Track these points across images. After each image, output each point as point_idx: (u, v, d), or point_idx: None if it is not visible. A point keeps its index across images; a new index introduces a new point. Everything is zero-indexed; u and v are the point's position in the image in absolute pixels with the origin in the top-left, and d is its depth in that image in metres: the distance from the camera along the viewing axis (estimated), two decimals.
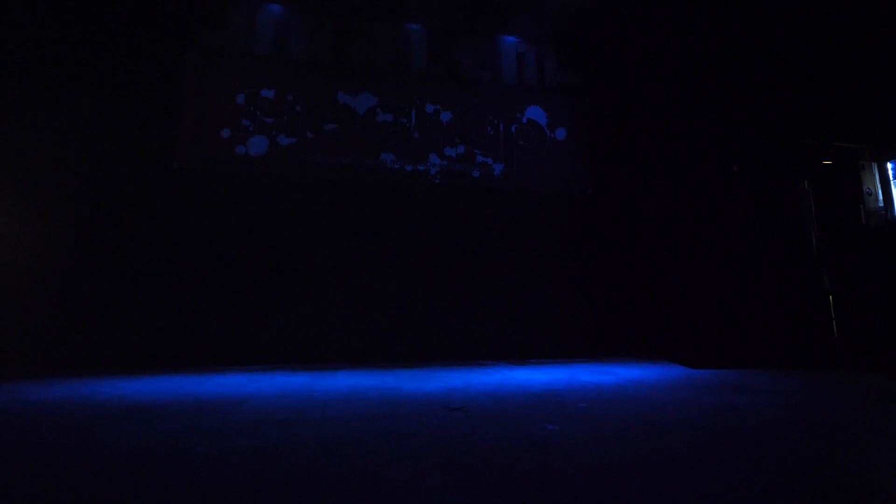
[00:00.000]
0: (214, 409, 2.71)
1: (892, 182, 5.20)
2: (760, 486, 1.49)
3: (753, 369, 4.46)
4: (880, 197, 5.18)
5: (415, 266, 5.30)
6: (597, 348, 5.55)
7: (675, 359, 4.98)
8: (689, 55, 5.31)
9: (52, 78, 4.75)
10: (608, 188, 6.03)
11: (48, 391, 3.26)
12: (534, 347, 5.38)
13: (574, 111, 6.16)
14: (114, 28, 4.96)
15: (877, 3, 5.11)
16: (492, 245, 5.55)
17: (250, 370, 4.35)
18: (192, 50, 5.13)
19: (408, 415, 2.52)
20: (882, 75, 5.24)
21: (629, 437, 2.08)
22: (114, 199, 4.72)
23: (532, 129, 5.97)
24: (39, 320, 4.37)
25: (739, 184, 5.07)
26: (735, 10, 5.31)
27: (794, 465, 1.68)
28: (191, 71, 5.10)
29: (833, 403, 2.88)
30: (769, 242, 4.97)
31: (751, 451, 1.87)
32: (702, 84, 5.27)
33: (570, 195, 5.93)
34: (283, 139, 5.21)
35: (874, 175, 5.23)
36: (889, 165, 5.23)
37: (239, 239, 4.92)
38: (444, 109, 5.73)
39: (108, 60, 4.90)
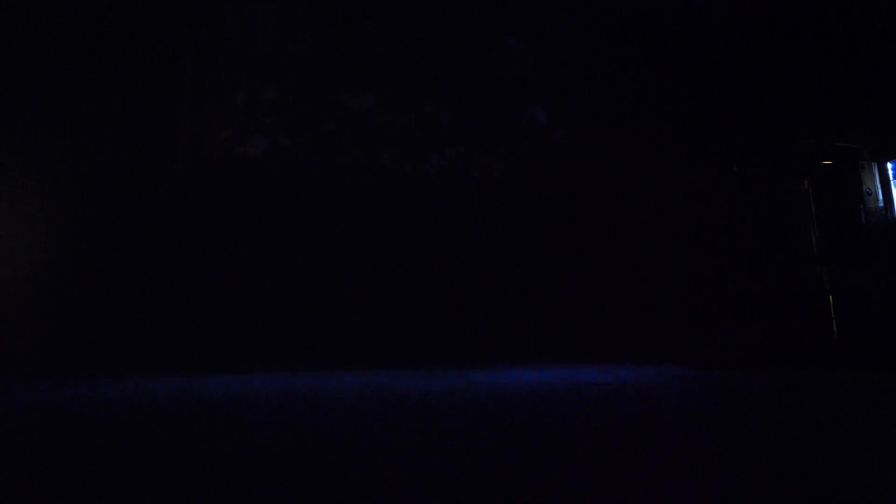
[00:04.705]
0: (214, 410, 2.71)
1: (892, 182, 5.21)
2: (752, 487, 1.49)
3: (753, 369, 4.46)
4: (880, 197, 5.18)
5: (415, 267, 5.30)
6: (597, 349, 5.55)
7: (674, 359, 4.98)
8: (689, 55, 5.31)
9: (52, 78, 4.74)
10: (609, 188, 6.03)
11: (43, 391, 3.26)
12: (534, 348, 5.38)
13: (575, 111, 6.16)
14: (113, 28, 4.96)
15: (877, 4, 5.11)
16: (492, 245, 5.55)
17: (250, 371, 4.35)
18: (191, 50, 5.13)
19: (409, 415, 2.52)
20: (882, 75, 5.24)
21: (629, 437, 2.09)
22: (113, 199, 4.72)
23: (532, 129, 5.97)
24: (39, 320, 4.37)
25: (739, 184, 5.07)
26: (735, 10, 5.31)
27: (788, 465, 1.68)
28: (190, 71, 5.09)
29: (831, 403, 2.88)
30: (769, 242, 4.98)
31: (748, 452, 1.87)
32: (702, 84, 5.27)
33: (570, 195, 5.93)
34: (283, 139, 5.21)
35: (874, 175, 5.24)
36: (889, 165, 5.23)
37: (239, 239, 4.92)
38: (444, 109, 5.73)
39: (107, 61, 4.90)
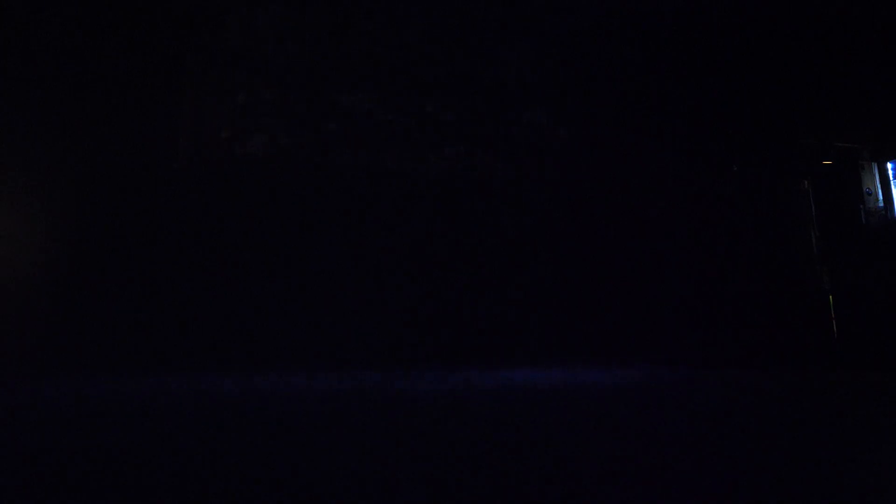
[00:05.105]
0: (213, 409, 2.70)
1: (892, 182, 5.21)
2: (752, 487, 1.49)
3: (753, 369, 4.46)
4: (880, 197, 5.18)
5: (415, 266, 5.30)
6: (597, 349, 5.55)
7: (674, 359, 4.97)
8: (689, 55, 5.31)
9: (52, 78, 4.74)
10: (609, 188, 6.02)
11: (43, 391, 3.26)
12: (534, 348, 5.38)
13: (575, 111, 6.16)
14: (113, 28, 4.96)
15: (877, 4, 5.11)
16: (492, 245, 5.55)
17: (250, 371, 4.35)
18: (191, 50, 5.12)
19: (409, 415, 2.51)
20: (882, 75, 5.24)
21: (629, 436, 2.08)
22: (113, 199, 4.72)
23: (532, 129, 5.97)
24: (39, 320, 4.37)
25: (739, 184, 5.07)
26: (735, 10, 5.31)
27: (788, 465, 1.68)
28: (190, 71, 5.09)
29: (831, 403, 2.88)
30: (769, 242, 4.97)
31: (748, 452, 1.87)
32: (702, 84, 5.27)
33: (570, 195, 5.92)
34: (283, 139, 5.21)
35: (874, 175, 5.24)
36: (889, 165, 5.23)
37: (239, 239, 4.92)
38: (444, 109, 5.73)
39: (107, 61, 4.90)
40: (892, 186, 5.19)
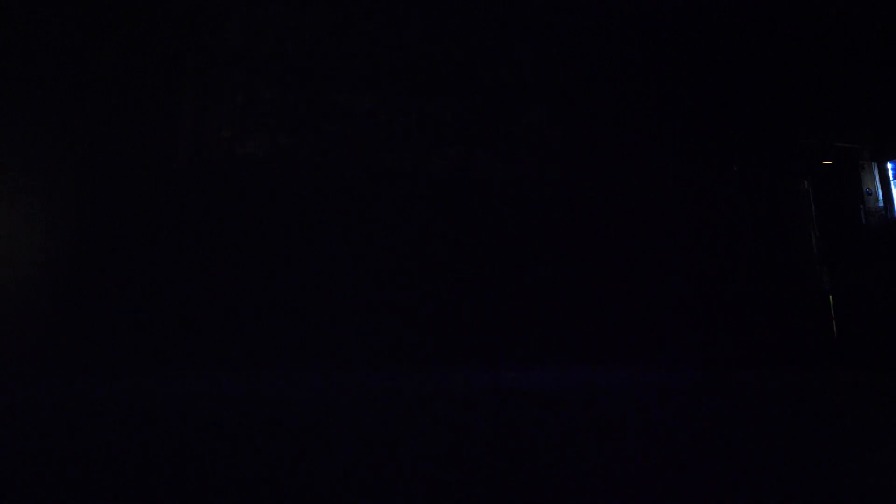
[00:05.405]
0: (213, 409, 2.70)
1: (892, 182, 5.20)
2: (753, 487, 1.49)
3: (753, 369, 4.46)
4: (880, 197, 5.18)
5: (415, 267, 5.30)
6: (597, 349, 5.55)
7: (674, 359, 4.97)
8: (689, 55, 5.31)
9: (52, 78, 4.74)
10: (609, 188, 6.02)
11: (43, 391, 3.26)
12: (533, 349, 5.38)
13: (575, 111, 6.16)
14: (113, 28, 4.96)
15: (877, 4, 5.11)
16: (492, 245, 5.55)
17: (250, 371, 4.35)
18: (191, 50, 5.12)
19: (412, 415, 2.51)
20: (882, 75, 5.24)
21: (629, 436, 2.08)
22: (113, 199, 4.72)
23: (532, 128, 5.97)
24: (39, 320, 4.36)
25: (739, 184, 5.07)
26: (735, 10, 5.31)
27: (788, 465, 1.68)
28: (190, 71, 5.09)
29: (831, 403, 2.88)
30: (769, 242, 4.97)
31: (748, 452, 1.87)
32: (702, 84, 5.27)
33: (570, 195, 5.92)
34: (283, 139, 5.21)
35: (874, 175, 5.24)
36: (889, 165, 5.23)
37: (239, 239, 4.92)
38: (444, 109, 5.73)
39: (107, 61, 4.89)
40: (892, 186, 5.19)
